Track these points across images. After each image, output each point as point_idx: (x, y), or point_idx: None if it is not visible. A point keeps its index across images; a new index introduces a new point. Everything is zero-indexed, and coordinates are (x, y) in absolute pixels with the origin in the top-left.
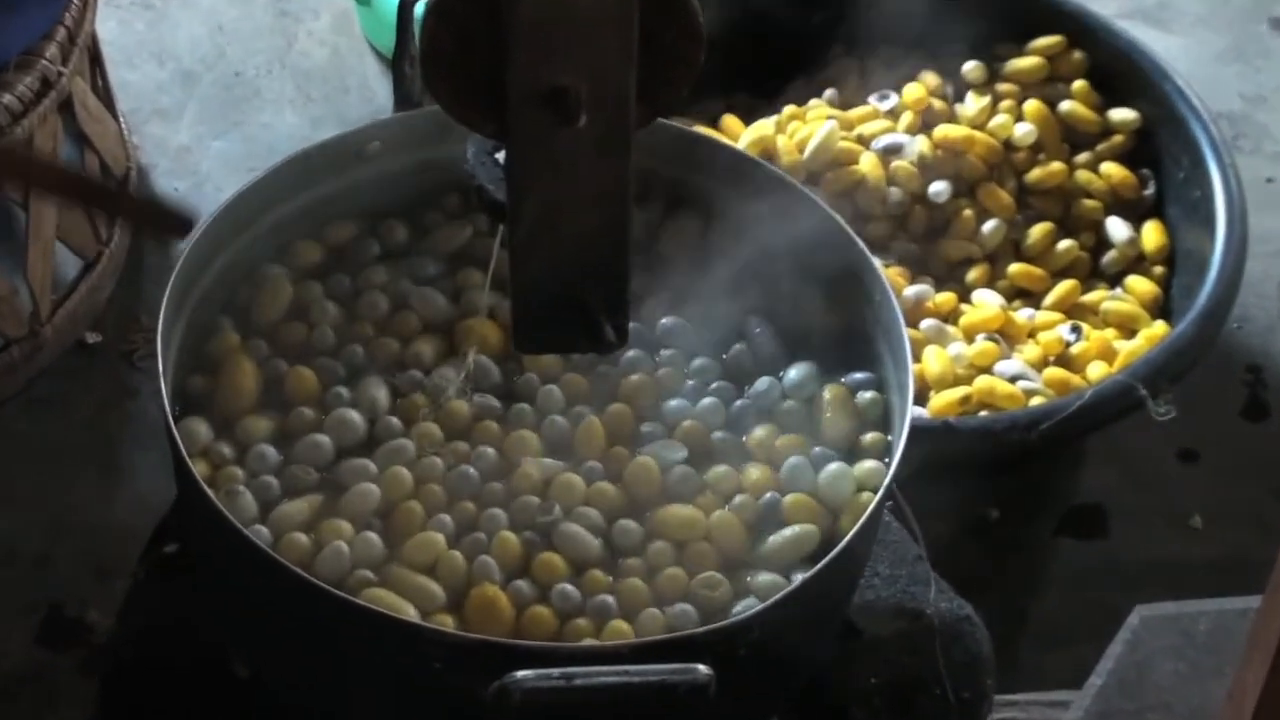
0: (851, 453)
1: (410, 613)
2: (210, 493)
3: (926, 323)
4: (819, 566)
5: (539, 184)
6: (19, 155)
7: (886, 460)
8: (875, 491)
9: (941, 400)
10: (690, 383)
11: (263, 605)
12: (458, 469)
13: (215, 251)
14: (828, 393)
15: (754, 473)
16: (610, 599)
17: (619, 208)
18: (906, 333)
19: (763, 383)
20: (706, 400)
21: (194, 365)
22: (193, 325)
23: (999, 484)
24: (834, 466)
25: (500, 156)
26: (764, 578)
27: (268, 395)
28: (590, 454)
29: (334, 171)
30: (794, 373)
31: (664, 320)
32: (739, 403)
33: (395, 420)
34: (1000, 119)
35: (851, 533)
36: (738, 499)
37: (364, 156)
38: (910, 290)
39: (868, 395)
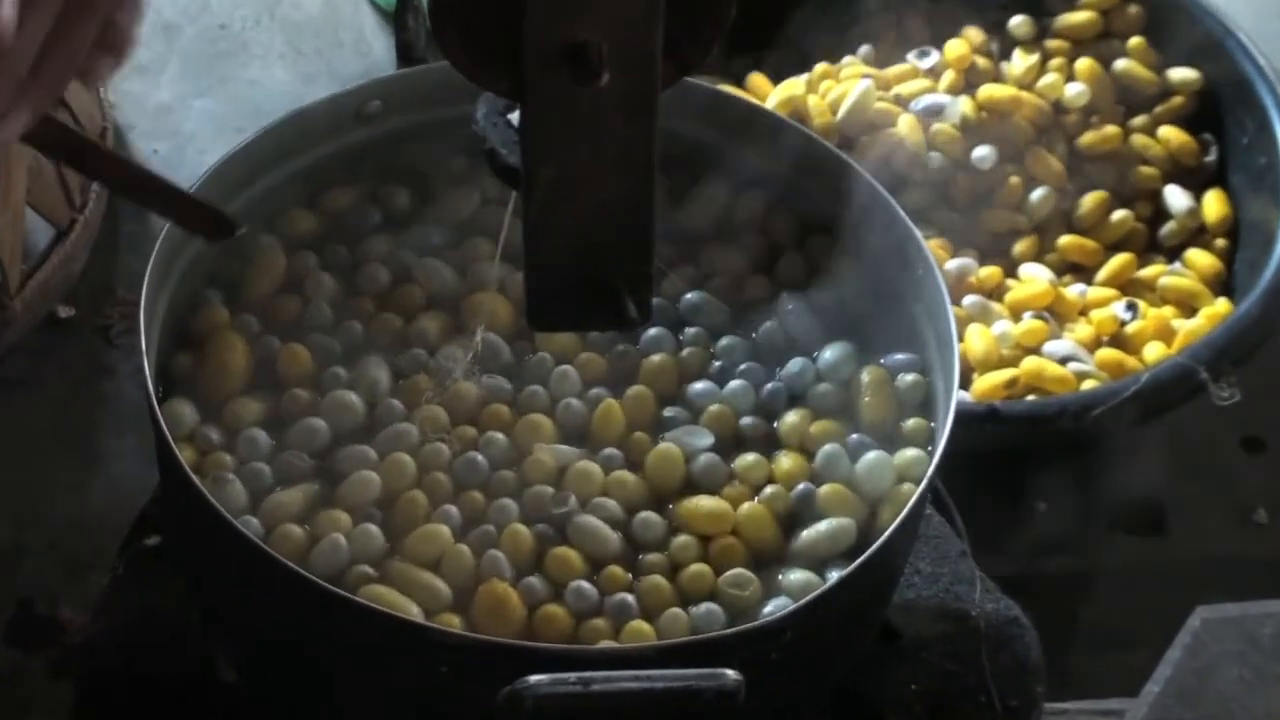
0: (891, 440)
1: (413, 612)
2: (197, 480)
3: (969, 299)
4: (856, 564)
5: (556, 147)
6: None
7: (929, 448)
8: (917, 482)
9: (986, 383)
10: (717, 364)
11: (252, 603)
12: (464, 456)
13: None
14: (866, 375)
15: (786, 462)
16: (630, 598)
17: (643, 174)
18: (952, 310)
19: (796, 364)
20: (735, 383)
21: (178, 343)
22: (177, 299)
23: (1048, 475)
24: (873, 455)
25: (514, 117)
26: (796, 575)
27: (258, 376)
28: (608, 440)
29: (330, 133)
30: (829, 353)
31: (689, 296)
32: (770, 385)
33: (397, 403)
34: (1050, 78)
35: (892, 527)
36: (768, 490)
37: (363, 117)
38: (952, 264)
39: (909, 378)
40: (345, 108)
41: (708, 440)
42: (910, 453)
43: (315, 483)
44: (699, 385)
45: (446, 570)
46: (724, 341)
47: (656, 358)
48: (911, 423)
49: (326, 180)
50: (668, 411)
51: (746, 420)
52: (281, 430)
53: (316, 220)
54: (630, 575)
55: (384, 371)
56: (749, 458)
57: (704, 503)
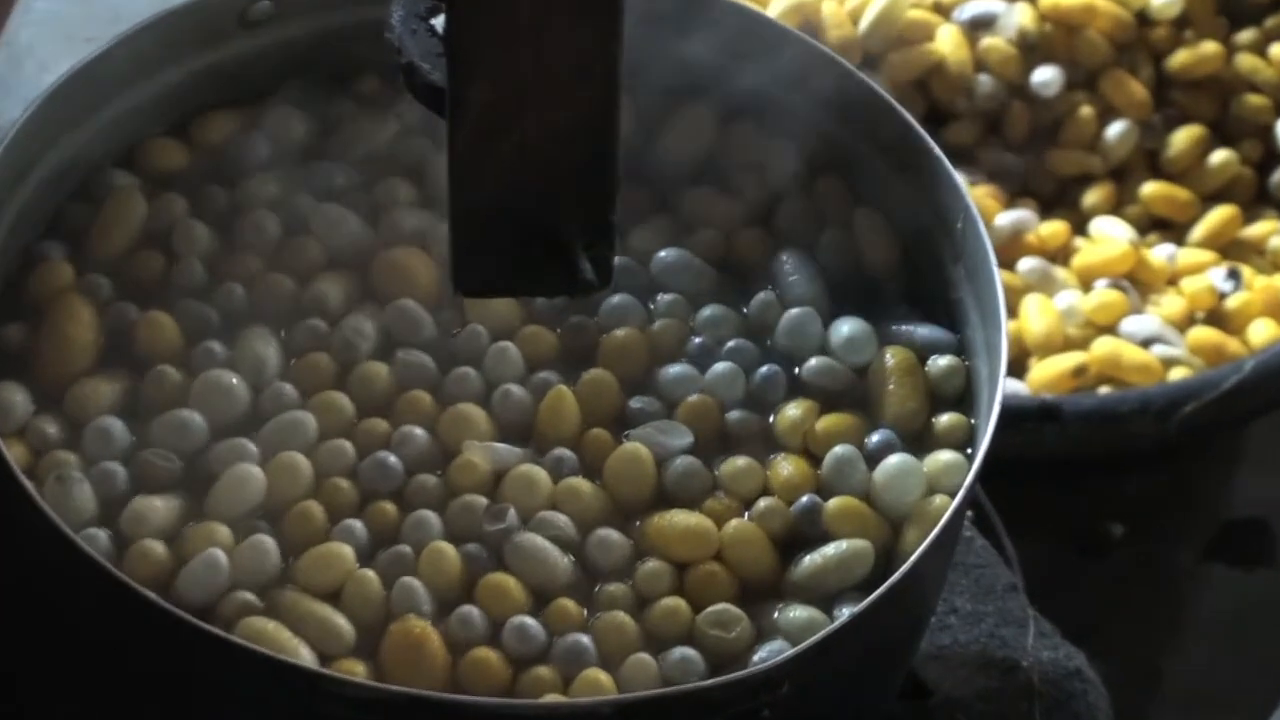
0: (920, 441)
1: (304, 655)
2: (27, 484)
3: (1027, 263)
4: (873, 598)
5: (492, 59)
6: None
7: (969, 451)
8: (953, 495)
9: (1046, 371)
10: (698, 340)
11: (94, 644)
12: (373, 457)
13: (37, 153)
14: (890, 357)
15: (785, 467)
16: (585, 639)
17: (604, 93)
18: (1000, 276)
19: (797, 337)
20: (720, 365)
21: (6, 311)
22: (5, 255)
23: (1125, 489)
24: (896, 460)
25: (438, 22)
26: (797, 613)
27: (110, 352)
28: (559, 439)
29: (205, 43)
30: (843, 329)
31: (662, 254)
32: (764, 370)
33: (288, 388)
34: None
35: (919, 551)
36: (762, 503)
37: (248, 22)
38: (1005, 217)
39: (944, 361)
40: (225, 10)
41: (685, 440)
42: (944, 456)
43: (183, 490)
44: (675, 368)
45: (348, 603)
46: (707, 312)
47: (621, 333)
48: (946, 419)
49: (199, 103)
50: (635, 402)
51: (735, 414)
52: (142, 423)
53: (186, 155)
54: (584, 611)
55: (272, 348)
56: (738, 462)
57: (680, 519)
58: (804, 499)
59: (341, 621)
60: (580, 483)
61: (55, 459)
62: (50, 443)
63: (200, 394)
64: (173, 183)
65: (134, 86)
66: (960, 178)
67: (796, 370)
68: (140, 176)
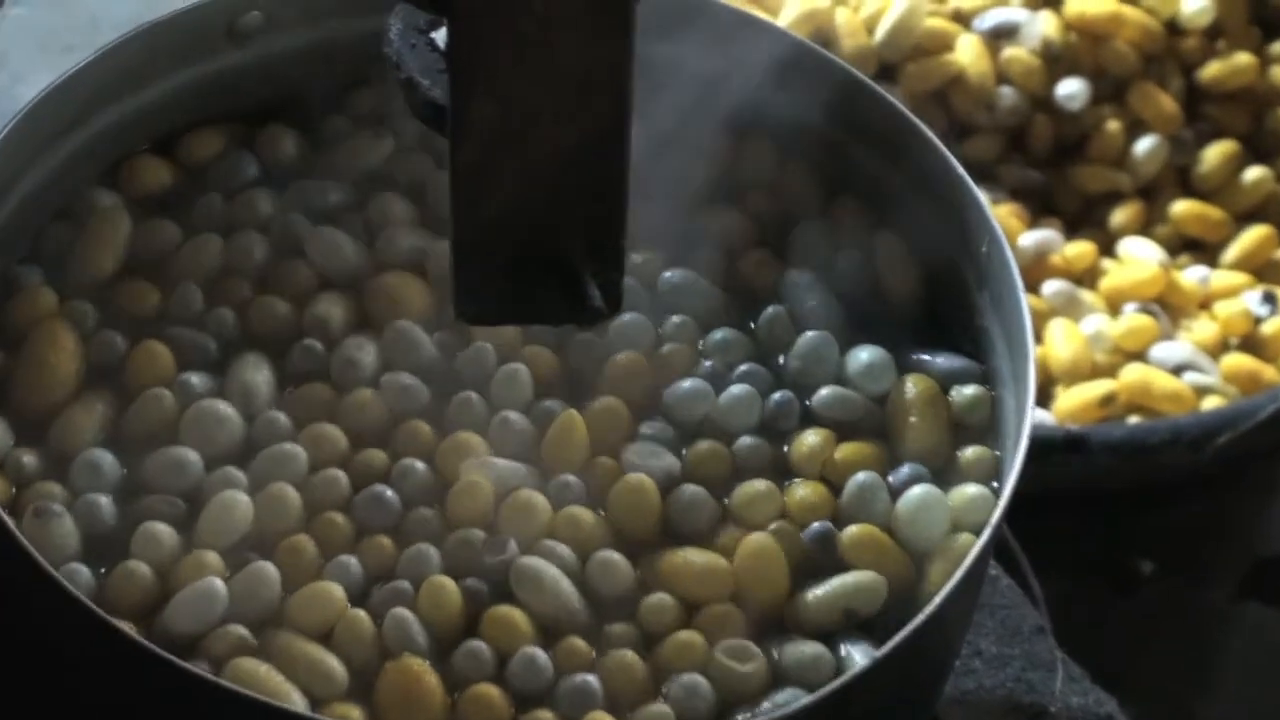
0: (943, 474)
1: (295, 700)
2: (6, 518)
3: (1052, 285)
4: (895, 641)
5: (496, 74)
6: None
7: (994, 485)
8: (978, 531)
9: (1073, 400)
10: (707, 364)
11: (75, 688)
12: (369, 491)
13: (18, 172)
14: (911, 387)
15: (802, 490)
16: (591, 679)
17: (615, 110)
18: (1027, 303)
19: (809, 358)
20: (736, 389)
21: None
22: None
23: (1155, 524)
24: (920, 491)
25: (439, 35)
26: (805, 649)
27: (90, 382)
28: (564, 466)
29: (193, 56)
30: (862, 356)
31: (668, 274)
32: (778, 396)
33: (281, 416)
34: None
35: (944, 591)
36: (774, 525)
37: (237, 34)
38: (1028, 238)
39: (968, 391)
40: (213, 21)
41: (668, 460)
42: (970, 490)
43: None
44: (685, 385)
45: (341, 642)
46: (718, 335)
47: (625, 357)
48: (971, 451)
49: (187, 120)
50: (646, 428)
51: (746, 441)
52: (129, 454)
53: (172, 174)
54: (593, 650)
55: (264, 374)
56: (756, 486)
57: (695, 559)
58: (815, 525)
59: (333, 663)
60: (581, 511)
61: (38, 490)
62: (29, 475)
63: (192, 425)
64: (159, 203)
65: (117, 101)
66: (982, 196)
67: (807, 401)
68: (125, 196)
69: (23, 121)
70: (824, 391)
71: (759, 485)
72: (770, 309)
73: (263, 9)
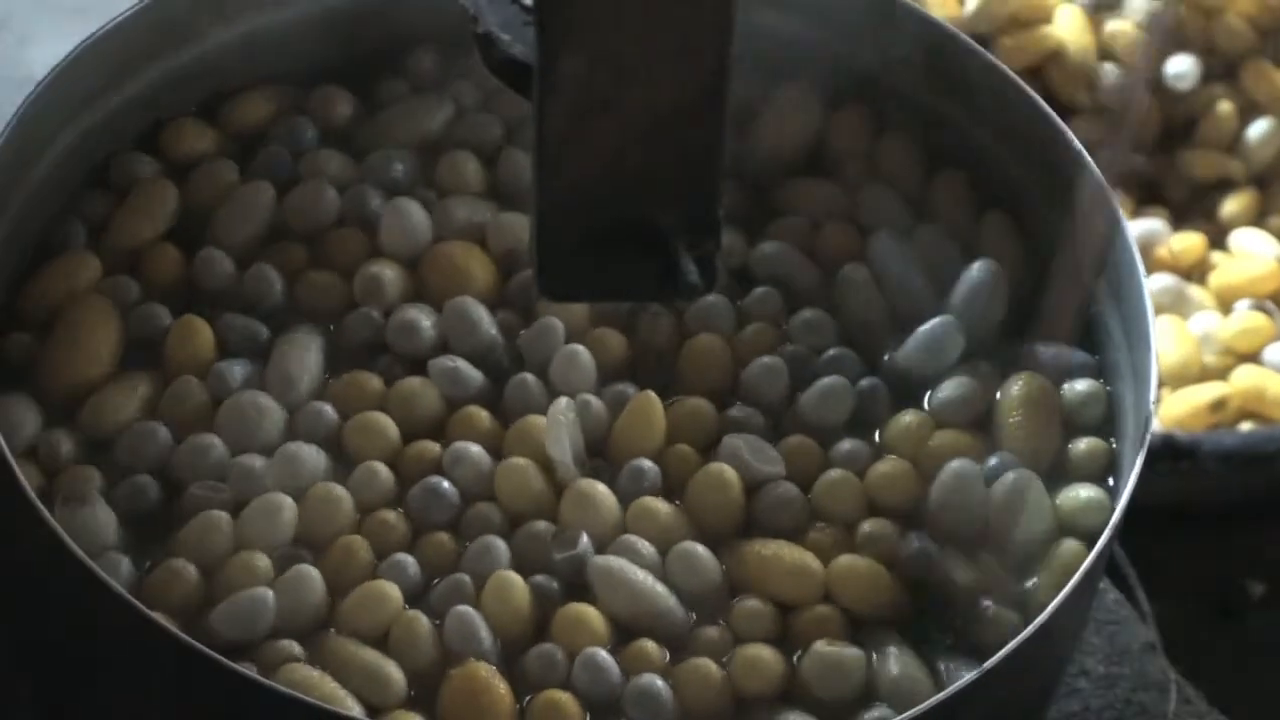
0: (1051, 475)
1: (352, 707)
2: (40, 505)
3: (1157, 280)
4: (999, 656)
5: (588, 30)
6: None
7: (1111, 486)
8: (1089, 540)
9: (1181, 405)
10: (790, 348)
11: (113, 689)
12: (424, 483)
13: (46, 136)
14: (1018, 383)
15: (884, 467)
16: (659, 682)
17: (713, 73)
18: (1149, 292)
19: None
20: (824, 382)
21: (12, 310)
22: (13, 245)
23: (1268, 541)
24: (1018, 479)
25: None
26: (895, 668)
27: (134, 361)
28: (639, 452)
29: (234, 12)
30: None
31: (764, 246)
32: (866, 383)
33: (327, 409)
34: None
35: (1055, 602)
36: (866, 526)
37: None
38: (1132, 229)
39: (1082, 386)
40: None
41: (775, 466)
42: (1083, 493)
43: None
44: (763, 361)
45: (398, 647)
46: (805, 315)
47: (704, 338)
48: (1083, 450)
49: (232, 82)
50: (735, 412)
51: (844, 447)
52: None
53: (215, 139)
54: (665, 654)
55: (313, 353)
56: (832, 475)
57: (785, 553)
58: (915, 543)
59: (391, 669)
60: (657, 503)
61: (75, 474)
62: (61, 460)
63: (230, 417)
64: (199, 168)
65: (152, 64)
66: (1101, 175)
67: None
68: (164, 162)
69: (49, 87)
70: (946, 388)
71: (835, 474)
72: (856, 288)
73: None
